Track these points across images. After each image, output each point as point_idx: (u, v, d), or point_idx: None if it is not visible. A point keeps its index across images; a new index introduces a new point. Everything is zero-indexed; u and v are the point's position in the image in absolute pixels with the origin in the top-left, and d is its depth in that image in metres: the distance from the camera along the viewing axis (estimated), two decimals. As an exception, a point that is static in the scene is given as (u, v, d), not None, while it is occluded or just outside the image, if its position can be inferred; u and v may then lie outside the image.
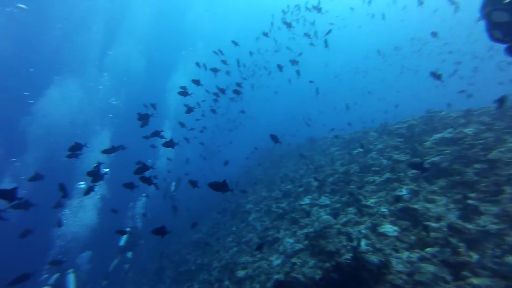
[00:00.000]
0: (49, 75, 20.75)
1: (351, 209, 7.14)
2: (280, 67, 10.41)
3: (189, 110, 9.72)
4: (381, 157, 8.57)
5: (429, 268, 4.24)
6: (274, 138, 6.74)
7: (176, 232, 16.23)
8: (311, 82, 14.89)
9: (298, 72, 11.14)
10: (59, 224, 7.48)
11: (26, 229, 6.23)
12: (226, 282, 7.51)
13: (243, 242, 9.26)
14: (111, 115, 21.23)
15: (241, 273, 7.16)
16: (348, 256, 5.46)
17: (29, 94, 19.99)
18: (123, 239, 11.07)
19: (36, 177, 6.37)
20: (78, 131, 20.33)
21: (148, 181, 6.31)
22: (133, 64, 29.43)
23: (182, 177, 15.97)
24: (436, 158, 6.50)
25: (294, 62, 8.53)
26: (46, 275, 7.87)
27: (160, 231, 5.24)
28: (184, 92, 8.39)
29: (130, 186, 6.54)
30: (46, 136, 19.68)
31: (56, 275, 8.08)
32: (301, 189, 10.13)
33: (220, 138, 25.01)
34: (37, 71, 24.73)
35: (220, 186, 4.50)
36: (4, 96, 23.57)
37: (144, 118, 7.52)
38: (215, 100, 12.50)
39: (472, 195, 5.22)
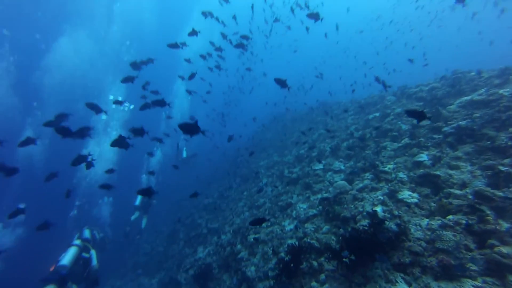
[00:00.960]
0: (56, 22, 20.18)
1: (368, 175, 6.91)
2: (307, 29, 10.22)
3: (192, 76, 9.55)
4: (399, 122, 8.13)
5: (451, 235, 4.04)
6: (281, 83, 6.11)
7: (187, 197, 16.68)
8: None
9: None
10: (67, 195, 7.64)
11: (45, 222, 6.27)
12: (239, 246, 7.61)
13: (255, 206, 9.28)
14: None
15: (253, 238, 7.21)
16: (365, 222, 5.33)
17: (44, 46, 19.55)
18: (138, 199, 11.56)
19: (28, 141, 6.24)
20: (89, 83, 20.18)
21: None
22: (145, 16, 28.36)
23: (198, 152, 16.19)
24: (462, 122, 6.05)
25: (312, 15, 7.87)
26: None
27: (147, 192, 5.52)
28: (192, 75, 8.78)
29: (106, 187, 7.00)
30: (60, 85, 19.64)
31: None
32: (314, 154, 9.89)
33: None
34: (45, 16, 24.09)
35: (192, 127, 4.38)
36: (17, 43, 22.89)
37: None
38: (220, 57, 12.11)
39: (506, 161, 4.85)
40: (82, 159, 6.13)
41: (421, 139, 6.66)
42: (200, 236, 10.53)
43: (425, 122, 7.04)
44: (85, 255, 7.31)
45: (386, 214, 5.32)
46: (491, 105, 6.20)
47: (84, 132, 5.84)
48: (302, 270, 5.29)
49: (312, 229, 6.25)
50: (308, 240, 5.77)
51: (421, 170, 5.71)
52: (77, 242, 7.52)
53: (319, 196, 7.36)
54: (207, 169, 19.31)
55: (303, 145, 11.44)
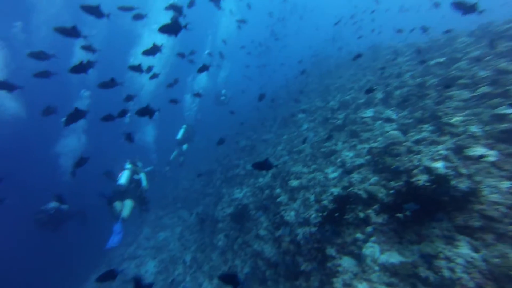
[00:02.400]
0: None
1: (427, 126, 6.15)
2: None
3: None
4: (475, 67, 6.91)
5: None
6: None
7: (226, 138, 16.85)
8: None
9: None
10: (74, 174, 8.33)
11: (82, 157, 6.41)
12: (278, 190, 7.54)
13: (294, 151, 9.00)
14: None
15: (294, 183, 7.04)
16: (423, 177, 4.81)
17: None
18: (181, 133, 12.00)
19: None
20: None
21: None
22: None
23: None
24: None
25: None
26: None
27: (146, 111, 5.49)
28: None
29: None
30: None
31: None
32: (361, 100, 9.05)
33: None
34: None
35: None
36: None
37: None
38: None
39: None
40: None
41: (510, 87, 5.60)
42: (237, 177, 10.69)
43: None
44: (136, 177, 8.29)
45: (449, 171, 4.73)
46: None
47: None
48: (347, 220, 5.07)
49: (359, 179, 5.86)
50: (355, 190, 5.44)
51: (505, 125, 4.87)
52: (129, 166, 8.47)
53: (367, 145, 6.82)
54: (248, 112, 19.06)
55: (349, 91, 10.52)
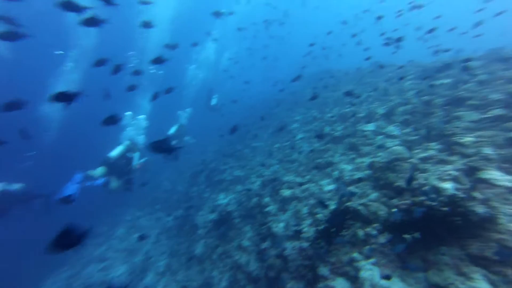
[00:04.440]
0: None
1: (434, 145, 5.75)
2: None
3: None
4: (486, 89, 6.63)
5: None
6: None
7: (213, 142, 16.22)
8: None
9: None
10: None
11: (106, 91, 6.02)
12: (266, 199, 6.96)
13: (286, 160, 8.48)
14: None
15: (286, 192, 6.48)
16: (430, 196, 4.34)
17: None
18: (173, 129, 11.40)
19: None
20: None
21: None
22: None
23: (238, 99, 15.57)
24: None
25: None
26: None
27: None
28: None
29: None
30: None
31: None
32: (362, 114, 8.67)
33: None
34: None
35: None
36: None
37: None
38: None
39: None
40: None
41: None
42: (223, 182, 10.05)
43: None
44: (129, 155, 8.11)
45: (459, 193, 4.27)
46: None
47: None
48: (343, 237, 4.52)
49: (358, 194, 5.37)
50: (353, 205, 4.93)
51: (519, 149, 4.50)
52: (127, 142, 8.32)
53: (367, 159, 6.36)
54: (242, 118, 18.57)
55: (348, 104, 10.16)
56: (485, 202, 3.89)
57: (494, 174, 4.32)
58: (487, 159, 4.68)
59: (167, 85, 7.81)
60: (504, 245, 3.33)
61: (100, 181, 7.38)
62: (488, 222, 3.64)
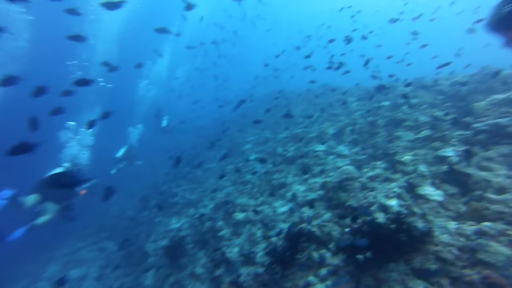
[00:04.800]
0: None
1: (380, 163, 6.14)
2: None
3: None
4: (416, 112, 7.36)
5: (500, 248, 3.32)
6: None
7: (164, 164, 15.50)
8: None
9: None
10: None
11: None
12: (220, 223, 6.72)
13: (239, 182, 8.38)
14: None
15: (239, 216, 6.33)
16: (379, 215, 4.56)
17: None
18: (121, 152, 10.53)
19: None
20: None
21: None
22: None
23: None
24: (502, 120, 5.31)
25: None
26: None
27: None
28: None
29: None
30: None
31: None
32: (313, 134, 9.01)
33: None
34: None
35: None
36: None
37: None
38: None
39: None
40: None
41: (446, 132, 5.92)
42: (175, 206, 9.55)
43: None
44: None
45: (402, 209, 4.56)
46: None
47: None
48: (299, 261, 4.49)
49: (311, 215, 5.44)
50: (308, 227, 4.97)
51: (446, 167, 4.98)
52: (66, 164, 7.08)
53: (319, 179, 6.55)
54: (194, 138, 18.11)
55: (300, 124, 10.54)
56: (422, 216, 4.18)
57: (428, 190, 4.71)
58: (422, 176, 5.10)
59: (116, 100, 7.33)
60: (439, 257, 3.57)
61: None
62: (427, 235, 3.90)
